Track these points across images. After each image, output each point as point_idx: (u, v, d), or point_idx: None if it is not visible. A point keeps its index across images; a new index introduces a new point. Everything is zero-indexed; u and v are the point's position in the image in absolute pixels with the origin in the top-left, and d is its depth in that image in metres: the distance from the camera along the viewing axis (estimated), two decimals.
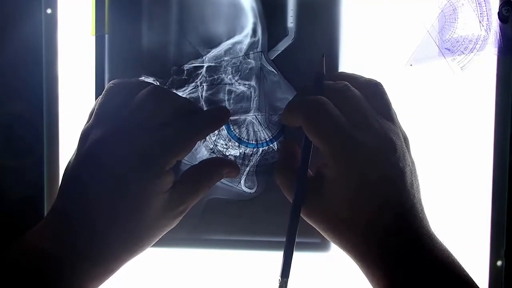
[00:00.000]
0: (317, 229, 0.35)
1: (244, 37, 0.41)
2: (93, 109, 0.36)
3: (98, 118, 0.35)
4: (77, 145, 0.35)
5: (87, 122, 0.36)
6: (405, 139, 0.36)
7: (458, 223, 0.43)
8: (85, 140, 0.34)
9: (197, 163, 0.38)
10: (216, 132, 0.41)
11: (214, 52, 0.41)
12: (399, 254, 0.32)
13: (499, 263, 0.42)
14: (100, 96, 0.36)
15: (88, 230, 0.32)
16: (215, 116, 0.37)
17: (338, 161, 0.33)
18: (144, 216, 0.33)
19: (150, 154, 0.33)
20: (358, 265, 0.34)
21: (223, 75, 0.41)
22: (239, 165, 0.41)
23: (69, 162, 0.35)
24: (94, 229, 0.33)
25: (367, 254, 0.33)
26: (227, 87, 0.41)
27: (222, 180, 0.41)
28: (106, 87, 0.36)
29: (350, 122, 0.33)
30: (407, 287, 0.31)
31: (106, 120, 0.35)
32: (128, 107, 0.35)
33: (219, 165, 0.39)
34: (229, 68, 0.41)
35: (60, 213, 0.33)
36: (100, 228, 0.33)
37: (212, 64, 0.41)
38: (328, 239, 0.35)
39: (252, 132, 0.42)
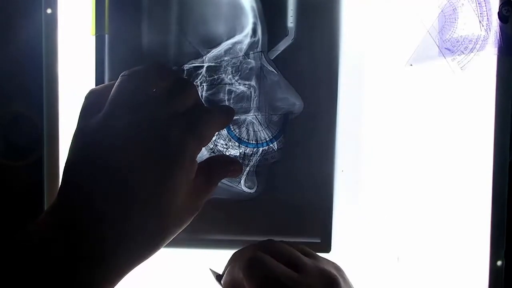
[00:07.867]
0: None
1: (244, 37, 0.41)
2: (88, 104, 0.35)
3: (114, 109, 0.33)
4: (79, 139, 0.33)
5: (88, 115, 0.34)
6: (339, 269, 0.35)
7: (458, 223, 0.43)
8: (100, 133, 0.32)
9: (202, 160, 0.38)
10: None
11: (214, 52, 0.41)
12: None
13: (499, 263, 0.42)
14: (114, 87, 0.34)
15: (104, 233, 0.30)
16: (226, 111, 0.39)
17: None
18: (170, 208, 0.32)
19: (181, 141, 0.32)
20: None
21: (223, 75, 0.41)
22: None
23: (70, 159, 0.33)
24: (111, 233, 0.30)
25: None
26: (227, 87, 0.41)
27: (222, 180, 0.41)
28: (119, 78, 0.35)
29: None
30: None
31: (126, 110, 0.33)
32: (152, 95, 0.34)
33: (225, 162, 0.39)
34: (229, 68, 0.41)
35: (66, 213, 0.31)
36: (119, 231, 0.31)
37: (212, 64, 0.41)
38: None
39: (252, 132, 0.42)
